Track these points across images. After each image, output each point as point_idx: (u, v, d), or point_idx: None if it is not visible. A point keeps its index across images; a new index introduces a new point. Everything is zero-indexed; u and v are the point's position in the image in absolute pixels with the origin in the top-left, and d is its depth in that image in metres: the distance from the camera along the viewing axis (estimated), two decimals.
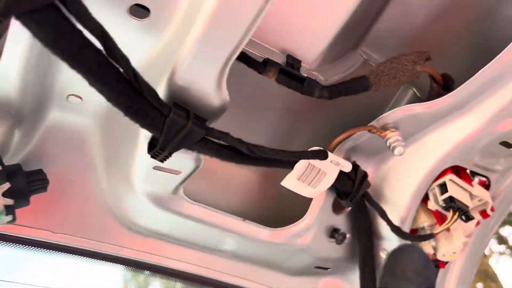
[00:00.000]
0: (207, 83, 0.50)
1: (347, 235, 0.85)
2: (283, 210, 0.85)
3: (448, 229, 0.82)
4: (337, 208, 0.82)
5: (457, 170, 0.80)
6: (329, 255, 0.85)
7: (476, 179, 0.84)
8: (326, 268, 0.89)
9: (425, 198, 0.81)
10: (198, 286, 0.82)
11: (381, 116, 0.71)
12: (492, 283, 6.54)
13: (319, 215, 0.80)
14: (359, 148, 0.77)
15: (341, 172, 0.73)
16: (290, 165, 0.65)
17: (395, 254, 0.36)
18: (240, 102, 0.75)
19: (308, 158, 0.63)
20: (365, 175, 0.76)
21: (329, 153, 0.66)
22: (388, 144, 0.71)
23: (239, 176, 0.82)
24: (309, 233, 0.80)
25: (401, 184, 0.80)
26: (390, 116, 0.70)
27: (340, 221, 0.83)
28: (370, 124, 0.72)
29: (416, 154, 0.77)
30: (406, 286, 0.32)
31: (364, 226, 0.82)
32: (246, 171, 0.83)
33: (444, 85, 0.72)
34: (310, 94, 0.59)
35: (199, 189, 0.78)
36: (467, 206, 0.78)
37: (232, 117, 0.75)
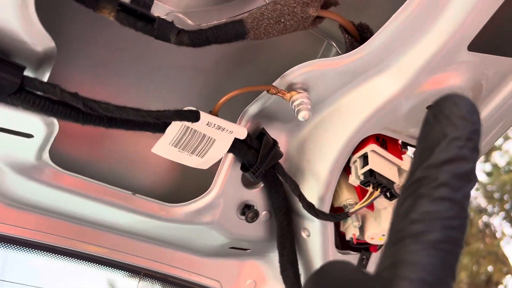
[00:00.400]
0: (6, 14, 0.40)
1: (263, 213, 0.75)
2: (190, 185, 0.76)
3: (372, 207, 0.72)
4: (248, 181, 0.72)
5: (384, 141, 0.69)
6: (243, 235, 0.75)
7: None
8: (245, 249, 0.80)
9: (349, 172, 0.70)
10: (96, 267, 0.74)
11: (284, 73, 0.60)
12: (502, 265, 6.38)
13: (226, 189, 0.70)
14: (269, 113, 0.67)
15: (239, 141, 0.63)
16: (161, 129, 0.55)
17: (439, 103, 0.33)
18: (130, 60, 0.65)
19: (170, 119, 0.53)
20: (274, 144, 0.66)
21: (206, 116, 0.56)
22: (293, 107, 0.60)
23: (138, 146, 0.72)
24: (215, 209, 0.70)
25: (318, 155, 0.69)
26: (293, 74, 0.59)
27: (255, 197, 0.73)
28: (274, 83, 0.61)
29: (332, 120, 0.66)
30: (453, 130, 0.31)
31: (278, 202, 0.72)
32: (148, 140, 0.73)
33: (361, 37, 0.61)
34: (166, 39, 0.48)
35: (88, 160, 0.69)
36: (392, 182, 0.67)
37: (126, 81, 0.65)
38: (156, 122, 0.53)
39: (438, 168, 0.31)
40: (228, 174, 0.69)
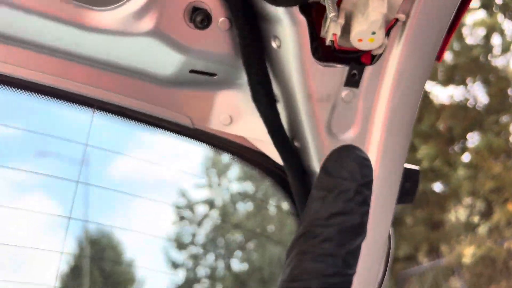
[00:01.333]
0: None
1: (220, 19, 0.59)
2: None
3: None
4: None
5: None
6: (198, 49, 0.61)
7: None
8: (211, 75, 0.66)
9: None
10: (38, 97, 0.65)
11: None
12: None
13: None
14: None
15: None
16: None
17: (330, 158, 0.33)
18: None
19: None
20: None
21: None
22: None
23: None
24: (153, 13, 0.56)
25: None
26: None
27: None
28: None
29: None
30: (341, 183, 0.31)
31: (237, 4, 0.56)
32: None
33: None
34: None
35: None
36: None
37: None
38: None
39: (324, 222, 0.31)
40: None
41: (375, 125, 0.63)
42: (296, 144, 0.66)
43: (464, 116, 8.18)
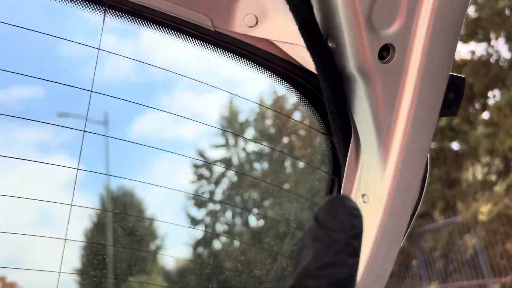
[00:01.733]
0: None
1: None
2: None
3: None
4: None
5: None
6: None
7: None
8: None
9: None
10: None
11: None
12: None
13: None
14: None
15: None
16: None
17: (322, 207, 0.33)
18: None
19: None
20: None
21: None
22: None
23: None
24: None
25: None
26: None
27: None
28: None
29: None
30: (331, 234, 0.31)
31: None
32: None
33: None
34: None
35: None
36: None
37: None
38: None
39: (315, 274, 0.31)
40: None
41: (421, 20, 0.56)
42: (330, 44, 0.59)
43: (486, 73, 7.92)
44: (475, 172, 8.49)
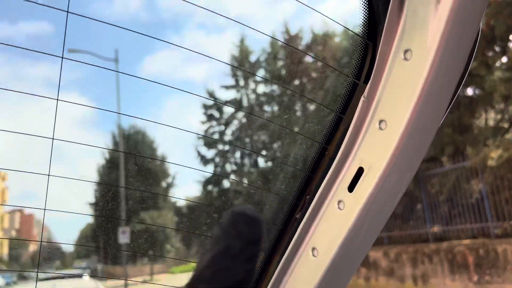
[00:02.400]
0: None
1: None
2: None
3: None
4: None
5: None
6: None
7: None
8: None
9: None
10: None
11: None
12: None
13: None
14: None
15: None
16: None
17: (226, 214, 0.35)
18: None
19: None
20: None
21: None
22: None
23: None
24: None
25: None
26: None
27: None
28: None
29: None
30: (229, 240, 0.34)
31: None
32: None
33: None
34: None
35: None
36: None
37: None
38: None
39: (208, 278, 0.33)
40: None
41: None
42: None
43: (510, 14, 7.54)
44: (488, 118, 8.36)
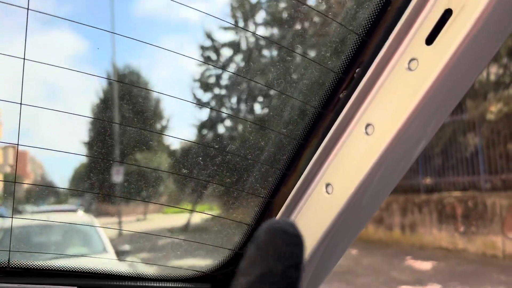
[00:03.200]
0: None
1: None
2: None
3: None
4: None
5: None
6: None
7: None
8: None
9: None
10: None
11: None
12: None
13: None
14: None
15: None
16: None
17: (261, 230, 0.30)
18: None
19: None
20: None
21: None
22: None
23: None
24: None
25: None
26: None
27: None
28: None
29: None
30: (268, 262, 0.28)
31: None
32: None
33: None
34: None
35: None
36: None
37: None
38: None
39: None
40: None
41: None
42: None
43: None
44: (490, 72, 8.21)
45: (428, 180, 8.48)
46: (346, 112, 0.65)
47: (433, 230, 7.94)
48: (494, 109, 7.08)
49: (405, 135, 0.59)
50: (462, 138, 7.86)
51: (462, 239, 7.42)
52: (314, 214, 0.70)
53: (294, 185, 0.72)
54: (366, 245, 8.48)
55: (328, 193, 0.67)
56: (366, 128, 0.62)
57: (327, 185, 0.68)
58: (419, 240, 8.17)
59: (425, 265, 6.56)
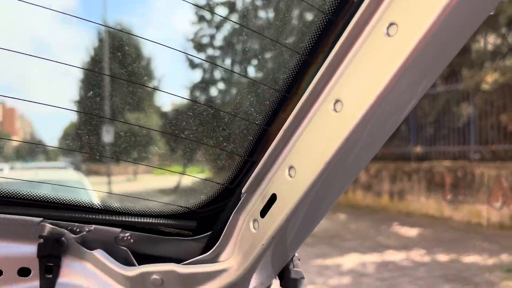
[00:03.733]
0: None
1: None
2: None
3: None
4: None
5: None
6: None
7: None
8: None
9: None
10: None
11: None
12: None
13: None
14: None
15: None
16: None
17: None
18: None
19: None
20: None
21: None
22: None
23: None
24: None
25: None
26: None
27: None
28: None
29: None
30: None
31: None
32: None
33: None
34: None
35: None
36: None
37: None
38: None
39: None
40: None
41: None
42: None
43: None
44: (487, 42, 8.10)
45: (419, 149, 8.51)
46: (313, 89, 0.59)
47: (421, 198, 8.05)
48: (490, 79, 7.02)
49: (377, 112, 0.53)
50: (455, 108, 7.84)
51: (449, 207, 7.54)
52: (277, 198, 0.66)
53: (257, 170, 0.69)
54: (354, 211, 8.60)
55: (291, 177, 0.63)
56: (334, 104, 0.57)
57: (290, 167, 0.63)
58: (407, 207, 8.29)
59: (411, 232, 6.68)
